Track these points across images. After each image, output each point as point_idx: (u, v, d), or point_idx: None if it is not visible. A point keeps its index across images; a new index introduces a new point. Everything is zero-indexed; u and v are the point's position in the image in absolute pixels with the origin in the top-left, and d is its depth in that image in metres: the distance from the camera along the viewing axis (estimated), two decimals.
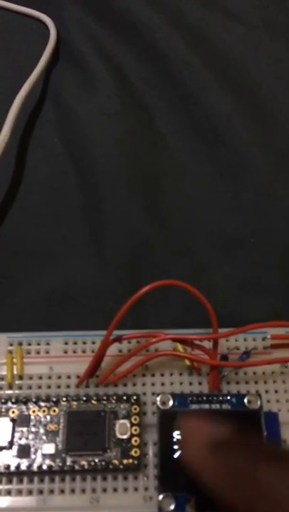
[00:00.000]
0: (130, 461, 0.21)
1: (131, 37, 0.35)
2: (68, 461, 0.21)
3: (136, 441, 0.21)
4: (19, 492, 0.21)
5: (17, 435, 0.21)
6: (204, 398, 0.22)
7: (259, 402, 0.22)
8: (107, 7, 0.37)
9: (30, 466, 0.21)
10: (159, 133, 0.31)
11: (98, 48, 0.35)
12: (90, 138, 0.31)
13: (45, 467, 0.20)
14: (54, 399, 0.22)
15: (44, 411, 0.22)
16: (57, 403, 0.22)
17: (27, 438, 0.21)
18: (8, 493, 0.21)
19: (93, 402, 0.22)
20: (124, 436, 0.21)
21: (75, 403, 0.22)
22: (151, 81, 0.33)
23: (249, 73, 0.34)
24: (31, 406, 0.22)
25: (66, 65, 0.35)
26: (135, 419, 0.21)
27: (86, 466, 0.21)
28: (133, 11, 0.36)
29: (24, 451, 0.21)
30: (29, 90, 0.31)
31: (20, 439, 0.21)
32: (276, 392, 0.23)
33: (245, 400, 0.22)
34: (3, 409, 0.21)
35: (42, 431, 0.21)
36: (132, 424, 0.21)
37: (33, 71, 0.32)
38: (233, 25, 0.36)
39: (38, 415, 0.21)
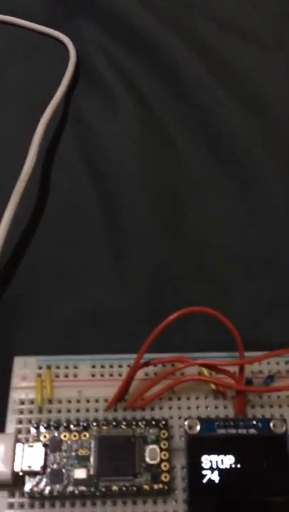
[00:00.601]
0: (160, 486, 0.21)
1: (150, 59, 0.36)
2: (100, 486, 0.21)
3: (165, 466, 0.21)
4: None
5: (50, 460, 0.21)
6: (231, 423, 0.23)
7: (284, 427, 0.23)
8: (125, 28, 0.38)
9: (62, 490, 0.21)
10: (179, 155, 0.32)
11: (117, 69, 0.35)
12: (112, 160, 0.32)
13: (77, 492, 0.21)
14: (84, 424, 0.22)
15: (75, 436, 0.22)
16: (87, 428, 0.22)
17: (59, 463, 0.21)
18: None
19: (123, 426, 0.22)
20: (154, 462, 0.22)
21: (105, 428, 0.22)
22: (171, 104, 0.34)
23: (266, 96, 0.35)
24: (62, 431, 0.22)
25: (86, 86, 0.35)
26: (164, 444, 0.22)
27: (117, 491, 0.21)
28: (152, 33, 0.37)
29: (57, 476, 0.21)
30: (52, 113, 0.32)
31: (52, 464, 0.21)
32: None
33: (271, 425, 0.23)
34: (35, 434, 0.22)
35: (73, 455, 0.22)
36: (161, 449, 0.22)
37: (55, 93, 0.33)
38: (248, 46, 0.37)
39: (69, 440, 0.22)
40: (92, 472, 0.21)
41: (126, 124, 0.33)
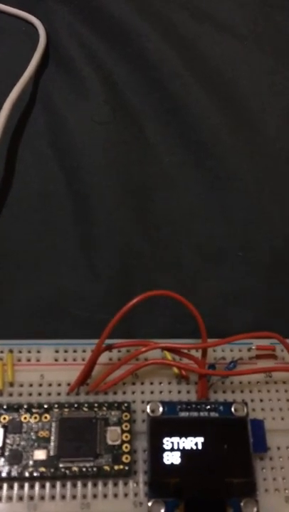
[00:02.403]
0: (121, 467, 0.21)
1: (122, 45, 0.35)
2: (60, 467, 0.21)
3: (127, 447, 0.21)
4: (9, 498, 0.21)
5: (8, 442, 0.21)
6: (193, 406, 0.23)
7: (245, 410, 0.23)
8: (97, 13, 0.37)
9: (21, 472, 0.21)
10: (148, 143, 0.32)
11: (88, 53, 0.35)
12: (80, 145, 0.31)
13: (36, 473, 0.21)
14: (45, 406, 0.22)
15: (36, 418, 0.22)
16: (48, 410, 0.22)
17: (18, 444, 0.21)
18: None
19: (84, 409, 0.22)
20: (116, 443, 0.21)
21: (66, 410, 0.22)
22: (142, 90, 0.34)
23: (238, 85, 0.35)
24: (23, 413, 0.22)
25: (56, 69, 0.35)
26: (126, 426, 0.22)
27: (77, 472, 0.21)
28: (124, 19, 0.36)
29: (15, 458, 0.21)
30: (19, 94, 0.31)
31: (11, 445, 0.21)
32: (261, 400, 0.24)
33: (233, 408, 0.23)
34: None
35: (33, 437, 0.21)
36: (123, 431, 0.22)
37: (23, 74, 0.32)
38: (223, 37, 0.37)
39: (29, 422, 0.22)
40: (52, 453, 0.21)
41: (95, 108, 0.33)
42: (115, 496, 0.21)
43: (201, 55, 0.35)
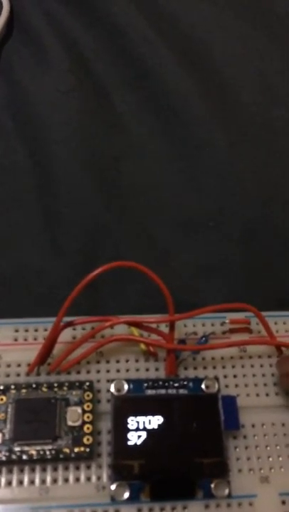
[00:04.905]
0: (82, 449, 0.20)
1: (86, 10, 0.34)
2: (15, 451, 0.19)
3: (88, 428, 0.20)
4: None
5: None
6: (160, 383, 0.21)
7: (217, 386, 0.22)
8: None
9: None
10: (115, 111, 0.30)
11: (52, 22, 0.33)
12: (43, 116, 0.30)
13: None
14: (2, 387, 0.21)
15: None
16: (5, 391, 0.21)
17: None
18: None
19: (43, 389, 0.21)
20: (76, 424, 0.20)
21: (24, 391, 0.21)
22: (108, 57, 0.32)
23: (211, 51, 0.33)
24: None
25: (19, 39, 0.33)
26: (88, 406, 0.21)
27: (35, 456, 0.19)
28: None
29: None
30: None
31: None
32: (235, 376, 0.23)
33: (203, 385, 0.22)
34: None
35: None
36: (85, 411, 0.20)
37: None
38: (196, 1, 0.35)
39: None
40: (7, 436, 0.20)
41: (59, 78, 0.31)
42: (77, 480, 0.20)
43: (171, 19, 0.33)
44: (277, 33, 0.34)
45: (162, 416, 0.21)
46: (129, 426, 0.20)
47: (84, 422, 0.20)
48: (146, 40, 0.32)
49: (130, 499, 0.19)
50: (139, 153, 0.29)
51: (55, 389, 0.21)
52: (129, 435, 0.20)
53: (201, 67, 0.32)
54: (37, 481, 0.20)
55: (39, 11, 0.34)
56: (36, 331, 0.23)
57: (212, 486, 0.20)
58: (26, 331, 0.23)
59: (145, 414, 0.20)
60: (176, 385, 0.22)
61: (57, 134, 0.29)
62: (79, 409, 0.20)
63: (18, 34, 0.33)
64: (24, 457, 0.19)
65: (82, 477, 0.20)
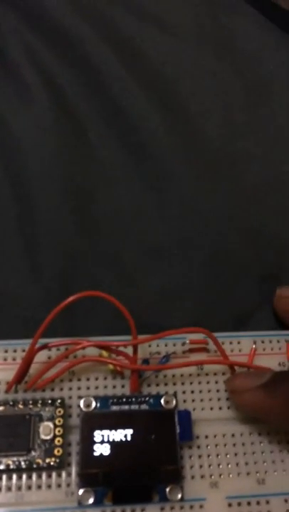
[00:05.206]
0: (53, 459, 0.22)
1: (64, 49, 0.36)
2: None
3: (59, 441, 0.23)
4: None
5: None
6: (124, 400, 0.24)
7: (174, 402, 0.24)
8: (41, 16, 0.37)
9: None
10: (91, 146, 0.33)
11: (32, 58, 0.35)
12: (24, 150, 0.32)
13: None
14: None
15: None
16: None
17: None
18: None
19: (20, 406, 0.23)
20: (48, 437, 0.23)
21: (1, 408, 0.23)
22: (85, 94, 0.34)
23: (179, 86, 0.35)
24: None
25: (2, 74, 0.35)
26: (59, 421, 0.23)
27: (11, 466, 0.22)
28: (67, 22, 0.36)
29: None
30: None
31: None
32: (192, 392, 0.25)
33: (162, 401, 0.24)
34: None
35: None
36: (56, 426, 0.23)
37: None
38: (166, 38, 0.37)
39: None
40: None
41: (39, 114, 0.33)
42: (48, 486, 0.23)
43: (142, 57, 0.36)
44: (241, 69, 0.36)
45: (125, 429, 0.23)
46: (95, 439, 0.23)
47: (55, 436, 0.23)
48: (119, 77, 0.34)
49: (95, 503, 0.22)
50: (112, 184, 0.32)
51: (30, 406, 0.23)
52: (95, 447, 0.23)
53: (168, 103, 0.34)
54: (13, 488, 0.22)
55: (18, 46, 0.35)
56: (15, 351, 0.26)
57: (167, 490, 0.23)
58: (6, 351, 0.26)
59: (110, 428, 0.23)
60: (138, 400, 0.24)
61: (37, 166, 0.32)
62: (51, 424, 0.23)
63: (1, 69, 0.35)
64: (1, 467, 0.22)
65: (54, 484, 0.23)
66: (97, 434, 0.23)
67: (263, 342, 0.27)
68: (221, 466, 0.24)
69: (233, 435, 0.24)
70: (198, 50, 0.37)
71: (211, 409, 0.25)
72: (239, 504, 0.23)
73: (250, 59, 0.37)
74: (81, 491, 0.22)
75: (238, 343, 0.27)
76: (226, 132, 0.34)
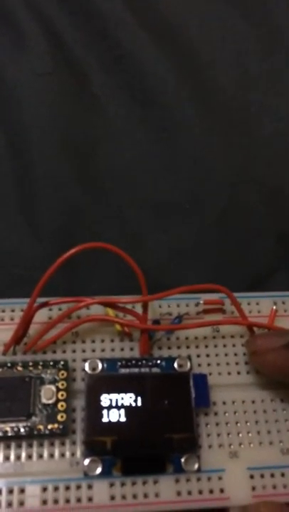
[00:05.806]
0: (56, 426, 0.20)
1: None
2: None
3: (62, 406, 0.21)
4: None
5: None
6: (134, 362, 0.22)
7: (189, 365, 0.22)
8: None
9: None
10: (92, 94, 0.30)
11: (30, 5, 0.33)
12: (20, 99, 0.30)
13: None
14: None
15: None
16: None
17: None
18: None
19: (19, 368, 0.21)
20: (50, 402, 0.21)
21: None
22: (85, 40, 0.32)
23: (188, 33, 0.33)
24: None
25: None
26: (62, 385, 0.21)
27: (9, 433, 0.20)
28: None
29: None
30: None
31: None
32: (207, 355, 0.23)
33: (176, 364, 0.22)
34: None
35: None
36: (59, 390, 0.21)
37: None
38: None
39: None
40: None
41: (37, 62, 0.31)
42: (51, 456, 0.20)
43: (148, 2, 0.33)
44: (254, 14, 0.34)
45: (135, 394, 0.21)
46: (102, 403, 0.21)
47: (58, 400, 0.21)
48: (124, 22, 0.32)
49: (102, 474, 0.20)
50: (116, 135, 0.30)
51: (30, 368, 0.21)
52: (103, 412, 0.21)
53: (178, 50, 0.32)
54: (12, 457, 0.20)
55: None
56: (13, 311, 0.23)
57: (182, 460, 0.20)
58: (3, 311, 0.23)
59: (118, 391, 0.21)
60: (149, 363, 0.22)
61: (33, 116, 0.30)
62: (53, 388, 0.21)
63: None
64: None
65: (57, 453, 0.20)
66: (105, 399, 0.21)
67: (283, 303, 0.25)
68: (240, 435, 0.22)
69: (253, 401, 0.22)
70: None
71: (229, 374, 0.23)
72: (262, 476, 0.21)
73: (263, 5, 0.34)
74: (87, 461, 0.20)
75: (257, 304, 0.25)
76: (238, 82, 0.32)
